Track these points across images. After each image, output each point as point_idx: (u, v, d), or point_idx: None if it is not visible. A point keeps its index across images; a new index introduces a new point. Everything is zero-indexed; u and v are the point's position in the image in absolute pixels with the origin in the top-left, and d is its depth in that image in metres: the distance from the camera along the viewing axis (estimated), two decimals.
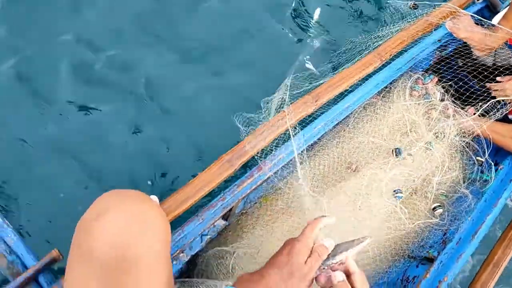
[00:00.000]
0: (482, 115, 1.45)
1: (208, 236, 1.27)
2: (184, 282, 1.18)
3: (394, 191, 1.35)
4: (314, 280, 0.85)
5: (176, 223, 1.14)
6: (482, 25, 1.55)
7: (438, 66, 1.58)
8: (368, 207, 1.32)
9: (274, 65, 1.89)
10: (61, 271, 1.08)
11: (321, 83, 1.24)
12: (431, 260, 1.33)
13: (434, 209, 1.37)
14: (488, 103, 1.38)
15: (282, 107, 1.20)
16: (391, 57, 1.36)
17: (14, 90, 1.59)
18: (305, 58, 1.67)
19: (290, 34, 1.97)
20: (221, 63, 1.85)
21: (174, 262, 1.16)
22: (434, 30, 1.53)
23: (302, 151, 1.18)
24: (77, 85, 1.65)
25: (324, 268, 0.84)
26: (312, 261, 0.81)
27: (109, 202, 0.70)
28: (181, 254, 1.21)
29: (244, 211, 1.35)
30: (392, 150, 1.35)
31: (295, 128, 1.18)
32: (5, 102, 1.57)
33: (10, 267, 0.92)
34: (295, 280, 0.79)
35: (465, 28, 1.49)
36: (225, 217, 1.26)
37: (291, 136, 1.15)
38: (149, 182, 1.49)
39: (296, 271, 0.79)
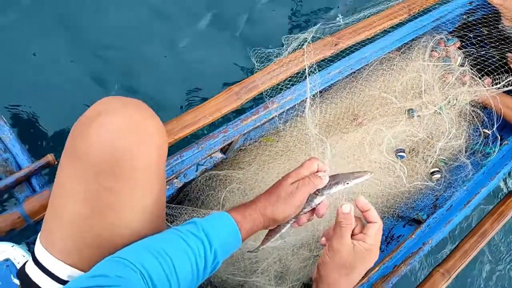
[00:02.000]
0: (499, 88, 1.41)
1: (204, 167, 1.26)
2: (174, 208, 1.19)
3: (397, 150, 1.34)
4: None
5: (175, 148, 1.12)
6: None
7: (462, 31, 1.52)
8: (368, 161, 1.32)
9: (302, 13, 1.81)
10: (54, 177, 1.07)
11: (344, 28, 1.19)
12: (418, 222, 1.35)
13: (432, 173, 1.37)
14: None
15: (301, 47, 1.15)
16: (419, 11, 1.30)
17: None
18: (339, 16, 1.59)
19: None
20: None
21: (167, 187, 1.16)
22: None
23: (314, 95, 1.15)
24: None
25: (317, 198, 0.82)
26: (300, 184, 0.79)
27: (110, 105, 0.67)
28: (175, 180, 1.21)
29: (243, 148, 1.34)
30: (406, 110, 1.33)
31: (311, 69, 1.14)
32: None
33: (3, 165, 0.91)
34: (281, 203, 0.78)
35: None
36: (223, 150, 1.25)
37: (307, 76, 1.11)
38: (152, 102, 1.47)
39: (282, 194, 0.79)
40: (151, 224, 0.72)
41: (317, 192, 0.82)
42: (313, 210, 0.85)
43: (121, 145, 0.63)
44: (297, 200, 0.78)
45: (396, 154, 1.32)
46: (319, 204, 0.84)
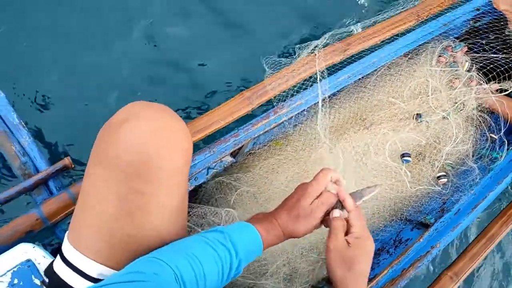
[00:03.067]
0: (507, 94, 1.42)
1: (215, 170, 1.28)
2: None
3: (402, 154, 1.35)
4: (321, 224, 0.88)
5: None
6: None
7: (469, 37, 1.53)
8: (375, 164, 1.33)
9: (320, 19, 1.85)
10: (71, 180, 1.10)
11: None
12: (426, 226, 1.36)
13: (439, 177, 1.38)
14: None
15: (312, 53, 1.17)
16: (427, 17, 1.32)
17: None
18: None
19: None
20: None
21: None
22: None
23: (323, 100, 1.17)
24: None
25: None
26: (318, 203, 0.84)
27: (138, 110, 0.70)
28: None
29: (253, 152, 1.36)
30: (413, 115, 1.34)
31: (321, 74, 1.16)
32: None
33: (22, 168, 0.93)
34: (301, 221, 0.83)
35: None
36: (233, 154, 1.27)
37: (318, 81, 1.13)
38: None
39: (302, 213, 0.83)
40: (177, 225, 0.75)
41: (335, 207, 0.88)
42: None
43: (149, 148, 0.66)
44: (317, 218, 0.84)
45: (401, 159, 1.34)
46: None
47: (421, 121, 1.35)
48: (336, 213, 0.85)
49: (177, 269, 0.61)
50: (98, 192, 0.68)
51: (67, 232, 0.72)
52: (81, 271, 0.69)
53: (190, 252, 0.66)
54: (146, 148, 0.66)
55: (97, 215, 0.68)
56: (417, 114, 1.35)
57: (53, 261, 0.73)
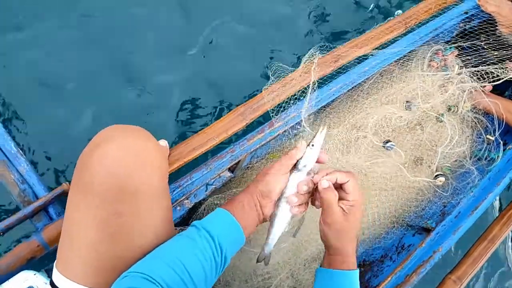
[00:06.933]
0: (498, 94, 1.43)
1: (213, 186, 1.28)
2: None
3: (384, 142, 1.35)
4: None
5: (184, 171, 1.15)
6: None
7: (460, 40, 1.54)
8: (374, 168, 1.34)
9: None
10: None
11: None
12: (427, 231, 1.36)
13: (436, 176, 1.38)
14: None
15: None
16: (415, 24, 1.33)
17: None
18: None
19: None
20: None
21: (178, 208, 1.19)
22: (462, 0, 1.49)
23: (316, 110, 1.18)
24: None
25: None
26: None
27: (108, 134, 0.71)
28: (186, 201, 1.23)
29: (250, 166, 1.36)
30: (404, 102, 1.35)
31: (313, 86, 1.17)
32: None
33: (21, 195, 0.94)
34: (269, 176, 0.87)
35: (494, 1, 1.45)
36: (231, 169, 1.27)
37: (312, 89, 1.14)
38: (164, 126, 1.49)
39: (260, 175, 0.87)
40: (163, 239, 0.75)
41: (294, 170, 0.89)
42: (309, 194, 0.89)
43: (121, 170, 0.67)
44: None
45: (385, 147, 1.33)
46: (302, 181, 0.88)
47: (410, 108, 1.35)
48: (325, 183, 0.82)
49: (160, 278, 0.62)
50: (79, 218, 0.69)
51: (55, 260, 0.73)
52: None
53: (169, 254, 0.66)
54: (118, 170, 0.67)
55: (81, 241, 0.69)
56: (406, 101, 1.35)
57: None
